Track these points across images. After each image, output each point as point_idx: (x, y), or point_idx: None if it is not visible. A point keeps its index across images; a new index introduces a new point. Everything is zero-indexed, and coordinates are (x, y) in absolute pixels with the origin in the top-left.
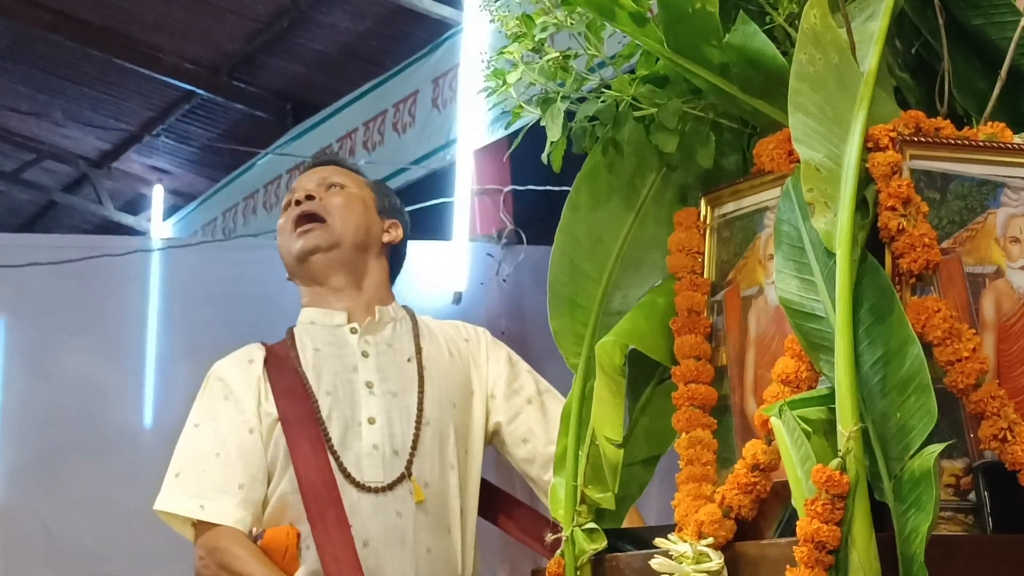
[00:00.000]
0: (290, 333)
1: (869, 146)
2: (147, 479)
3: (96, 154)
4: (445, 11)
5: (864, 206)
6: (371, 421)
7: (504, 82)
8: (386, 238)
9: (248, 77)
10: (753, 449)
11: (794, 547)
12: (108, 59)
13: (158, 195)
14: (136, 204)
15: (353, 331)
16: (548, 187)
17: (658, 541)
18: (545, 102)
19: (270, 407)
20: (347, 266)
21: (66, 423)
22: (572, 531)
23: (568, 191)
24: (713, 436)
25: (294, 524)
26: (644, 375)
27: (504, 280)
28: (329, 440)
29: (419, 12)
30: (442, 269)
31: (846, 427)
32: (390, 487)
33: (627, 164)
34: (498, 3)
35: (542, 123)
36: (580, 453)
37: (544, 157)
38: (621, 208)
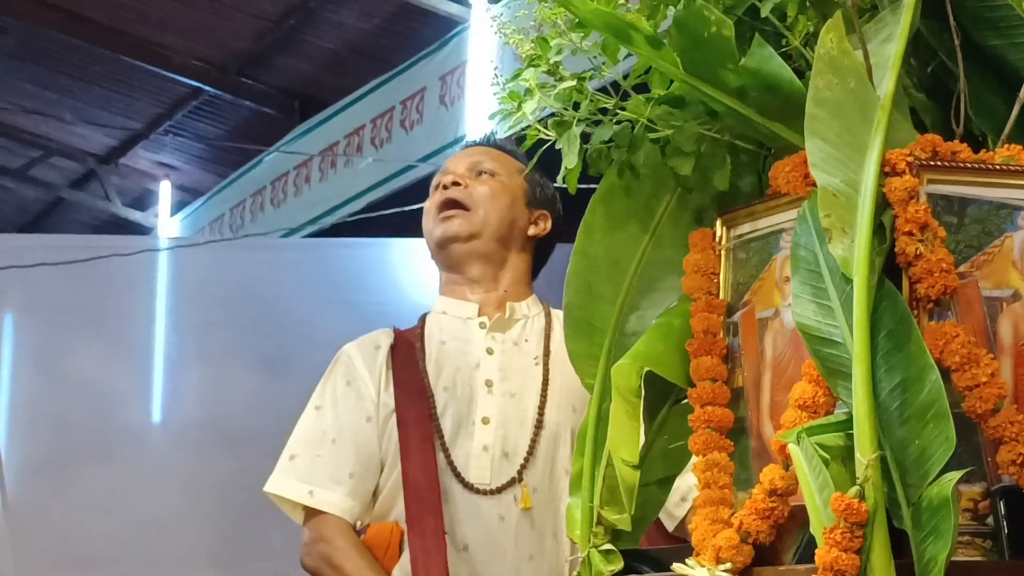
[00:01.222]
0: (421, 321)
1: (886, 171)
2: (155, 479)
3: (104, 151)
4: (452, 8)
5: (881, 231)
6: (485, 421)
7: (519, 107)
8: (532, 231)
9: (256, 74)
10: (771, 474)
11: (812, 575)
12: (116, 57)
13: (166, 191)
14: (144, 200)
15: (482, 326)
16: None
17: (676, 566)
18: (560, 126)
19: (388, 398)
20: (485, 258)
21: (75, 423)
22: (589, 552)
23: (577, 187)
24: (730, 458)
25: (399, 519)
26: (660, 396)
27: None
28: (442, 438)
29: (427, 9)
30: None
31: (864, 454)
32: (498, 491)
33: (643, 186)
34: (503, 16)
35: (557, 146)
36: (596, 474)
37: (560, 179)
38: (637, 230)
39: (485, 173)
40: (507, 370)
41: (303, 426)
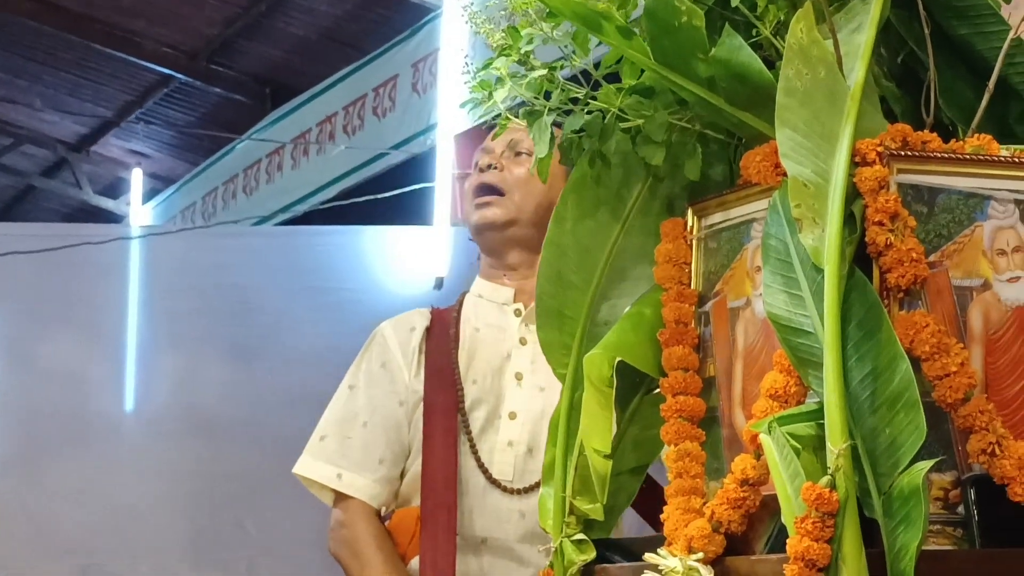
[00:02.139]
0: (460, 302)
1: (856, 161)
2: (129, 468)
3: (75, 138)
4: None
5: (852, 221)
6: (512, 416)
7: (490, 96)
8: None
9: (227, 61)
10: (742, 464)
11: (784, 565)
12: (87, 44)
13: (137, 179)
14: (115, 188)
15: (517, 313)
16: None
17: (647, 556)
18: (531, 115)
19: (418, 384)
20: (523, 243)
21: (48, 412)
22: (561, 542)
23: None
24: (702, 448)
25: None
26: (632, 385)
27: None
28: (469, 432)
29: None
30: (423, 254)
31: (835, 444)
32: (524, 491)
33: (614, 175)
34: (474, 5)
35: (530, 135)
36: (568, 464)
37: (532, 169)
38: (608, 219)
39: (523, 153)
40: (538, 363)
41: (335, 406)
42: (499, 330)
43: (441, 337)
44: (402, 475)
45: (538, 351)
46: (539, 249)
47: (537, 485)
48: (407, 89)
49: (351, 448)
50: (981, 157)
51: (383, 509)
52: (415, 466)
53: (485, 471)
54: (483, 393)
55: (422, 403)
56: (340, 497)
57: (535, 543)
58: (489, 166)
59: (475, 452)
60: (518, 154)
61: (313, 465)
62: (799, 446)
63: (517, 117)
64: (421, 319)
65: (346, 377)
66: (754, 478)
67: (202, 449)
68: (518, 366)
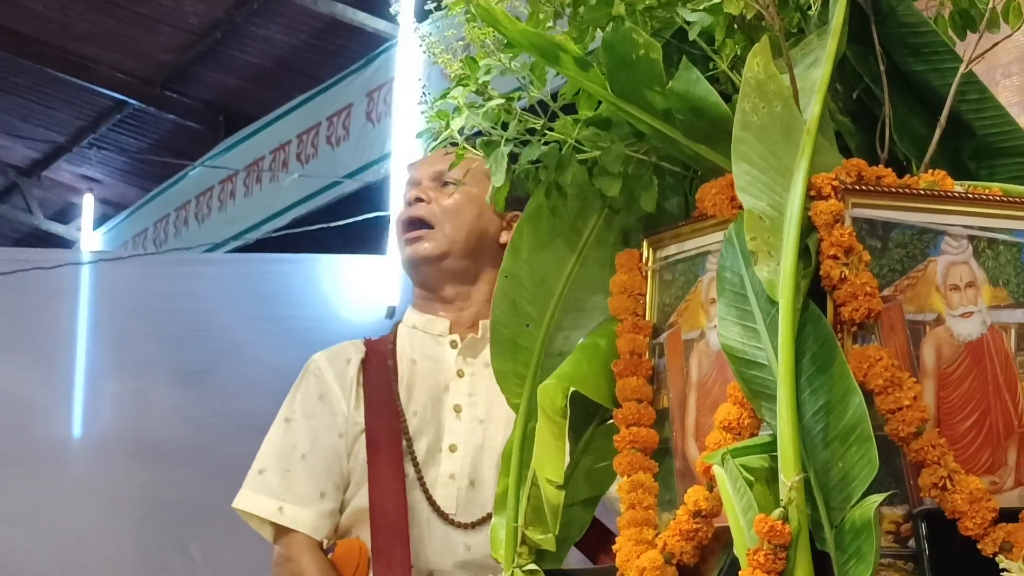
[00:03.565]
0: (393, 332)
1: (812, 195)
2: (76, 493)
3: (26, 163)
4: (380, 25)
5: (806, 254)
6: (452, 448)
7: (447, 125)
8: (504, 238)
9: (180, 88)
10: (695, 495)
11: None
12: (40, 69)
13: (88, 205)
14: (66, 213)
15: (453, 344)
16: None
17: None
18: (488, 145)
19: (358, 416)
20: (457, 275)
21: None
22: (512, 572)
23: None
24: (654, 479)
25: (364, 540)
26: (585, 416)
27: None
28: (416, 463)
29: (354, 25)
30: (375, 283)
31: (788, 476)
32: (472, 526)
33: (570, 207)
34: (432, 36)
35: (485, 166)
36: (521, 494)
37: (488, 199)
38: (563, 250)
39: (451, 183)
40: (476, 395)
41: (273, 439)
42: (436, 362)
43: (379, 368)
44: (341, 507)
45: (476, 383)
46: (473, 280)
47: (483, 519)
48: (361, 118)
49: (292, 481)
50: (935, 193)
51: (325, 542)
52: (356, 498)
53: (432, 502)
54: (424, 425)
55: (363, 435)
56: (281, 531)
57: (481, 573)
58: (417, 199)
59: (422, 483)
60: (445, 184)
61: (253, 499)
62: (752, 478)
63: (474, 148)
64: (356, 351)
65: (282, 410)
66: (707, 510)
67: (149, 475)
68: (456, 398)
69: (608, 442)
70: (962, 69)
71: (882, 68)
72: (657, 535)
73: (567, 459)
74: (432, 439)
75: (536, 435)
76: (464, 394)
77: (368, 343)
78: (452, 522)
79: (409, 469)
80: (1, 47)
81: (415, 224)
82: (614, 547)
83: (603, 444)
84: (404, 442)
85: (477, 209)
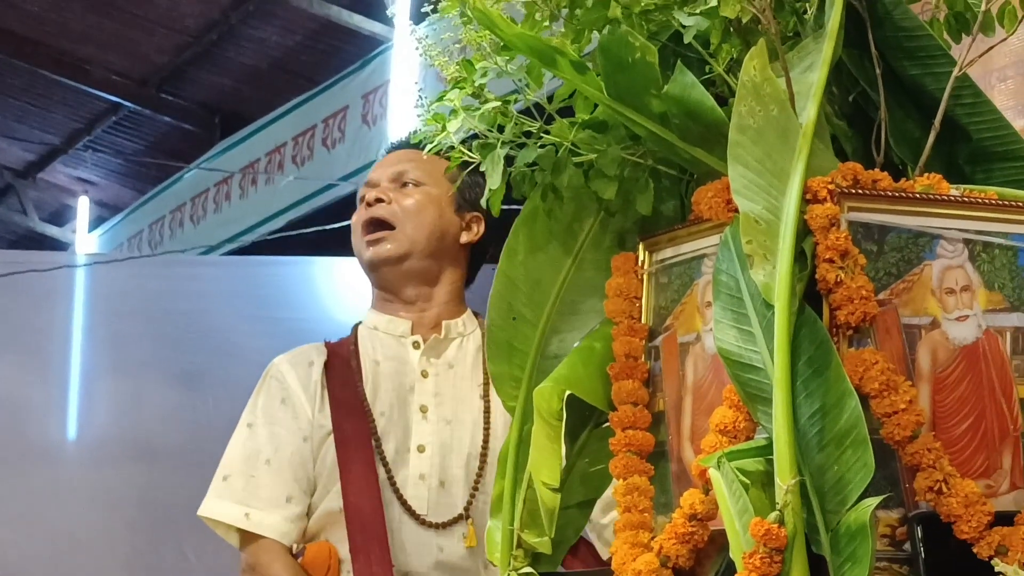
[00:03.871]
0: (354, 334)
1: (807, 198)
2: (71, 494)
3: (21, 165)
4: (376, 27)
5: (802, 258)
6: (420, 449)
7: (444, 128)
8: (465, 238)
9: (176, 90)
10: (691, 499)
11: None
12: (35, 70)
13: (83, 207)
14: (61, 215)
15: (416, 345)
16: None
17: None
18: (485, 148)
19: (324, 419)
20: (418, 276)
21: None
22: (508, 575)
23: (502, 209)
24: (650, 482)
25: (334, 543)
26: (581, 419)
27: None
28: (386, 463)
29: (350, 28)
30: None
31: (784, 480)
32: (443, 525)
33: (565, 209)
34: (428, 38)
35: (481, 168)
36: (517, 497)
37: (483, 203)
38: (559, 253)
39: (410, 183)
40: (442, 395)
41: (236, 445)
42: (400, 363)
43: (342, 370)
44: (308, 511)
45: (441, 384)
46: (434, 281)
47: (454, 520)
48: (357, 120)
49: (257, 486)
50: (931, 196)
51: (294, 547)
52: (325, 501)
53: (404, 503)
54: (391, 425)
55: (330, 437)
56: (249, 537)
57: (456, 574)
58: (377, 200)
59: (393, 484)
60: (404, 185)
61: (219, 506)
62: (748, 481)
63: (470, 150)
64: (318, 353)
65: (244, 415)
66: (702, 513)
67: (144, 476)
68: (422, 399)
69: (604, 445)
70: (955, 72)
71: (878, 72)
72: (653, 538)
73: (563, 462)
74: (400, 439)
75: (532, 438)
76: (430, 394)
77: (329, 345)
78: (424, 522)
79: (380, 470)
80: None
81: (376, 225)
82: (610, 550)
83: (599, 447)
84: (374, 443)
85: (438, 209)
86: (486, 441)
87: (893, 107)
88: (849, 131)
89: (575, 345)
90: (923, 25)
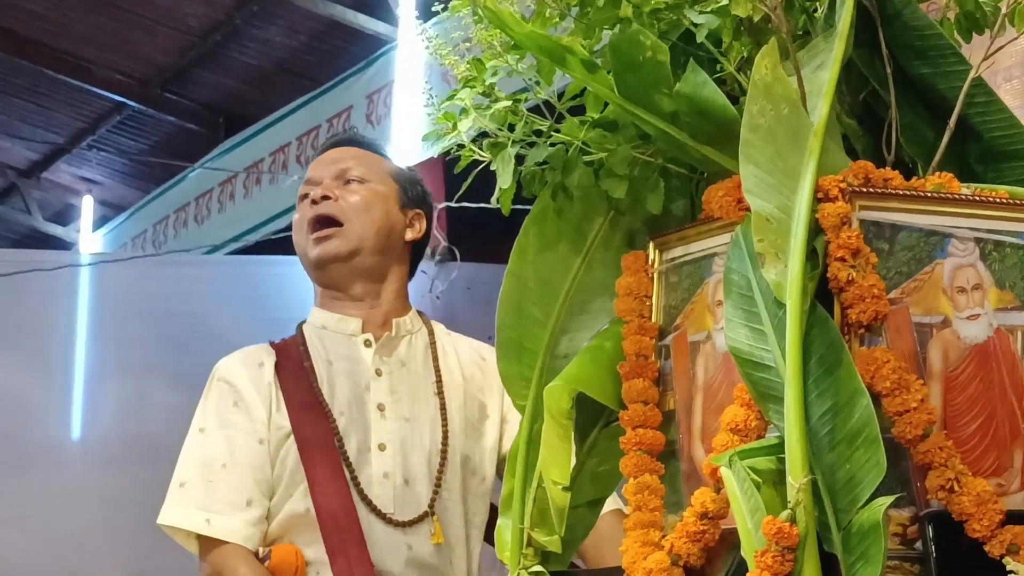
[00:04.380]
0: (300, 334)
1: (819, 197)
2: (73, 494)
3: (25, 164)
4: (380, 27)
5: (814, 256)
6: (381, 448)
7: (454, 127)
8: (409, 235)
9: (180, 90)
10: (702, 497)
11: None
12: (38, 70)
13: (88, 206)
14: (65, 215)
15: (367, 344)
16: (483, 204)
17: None
18: (495, 147)
19: (282, 420)
20: (366, 274)
21: None
22: (518, 574)
23: (512, 208)
24: (661, 481)
25: (300, 545)
26: (591, 417)
27: (437, 297)
28: (349, 463)
29: (354, 28)
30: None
31: (796, 478)
32: (410, 523)
33: (576, 208)
34: (436, 34)
35: (492, 167)
36: (527, 495)
37: (493, 201)
38: (569, 252)
39: (354, 180)
40: (398, 393)
41: (190, 451)
42: (353, 362)
43: (294, 370)
44: (268, 515)
45: (396, 381)
46: (382, 278)
47: (420, 517)
48: (361, 120)
49: (216, 491)
50: (942, 195)
51: (260, 551)
52: (288, 504)
53: (369, 503)
54: (351, 425)
55: (290, 439)
56: (210, 544)
57: (424, 575)
58: (323, 197)
59: (356, 484)
60: (348, 182)
61: (179, 513)
62: (759, 480)
63: (479, 149)
64: (267, 354)
65: (194, 420)
66: (713, 511)
67: (148, 477)
68: (379, 397)
69: (614, 444)
70: (972, 73)
71: (888, 71)
72: (663, 537)
73: (573, 461)
74: (361, 439)
75: (542, 437)
76: (386, 392)
77: (275, 346)
78: (392, 521)
79: (344, 470)
80: None
81: (324, 222)
82: (620, 548)
83: (609, 446)
84: (337, 443)
85: (385, 206)
86: (445, 438)
87: (904, 106)
88: (860, 130)
89: (585, 344)
90: (934, 24)
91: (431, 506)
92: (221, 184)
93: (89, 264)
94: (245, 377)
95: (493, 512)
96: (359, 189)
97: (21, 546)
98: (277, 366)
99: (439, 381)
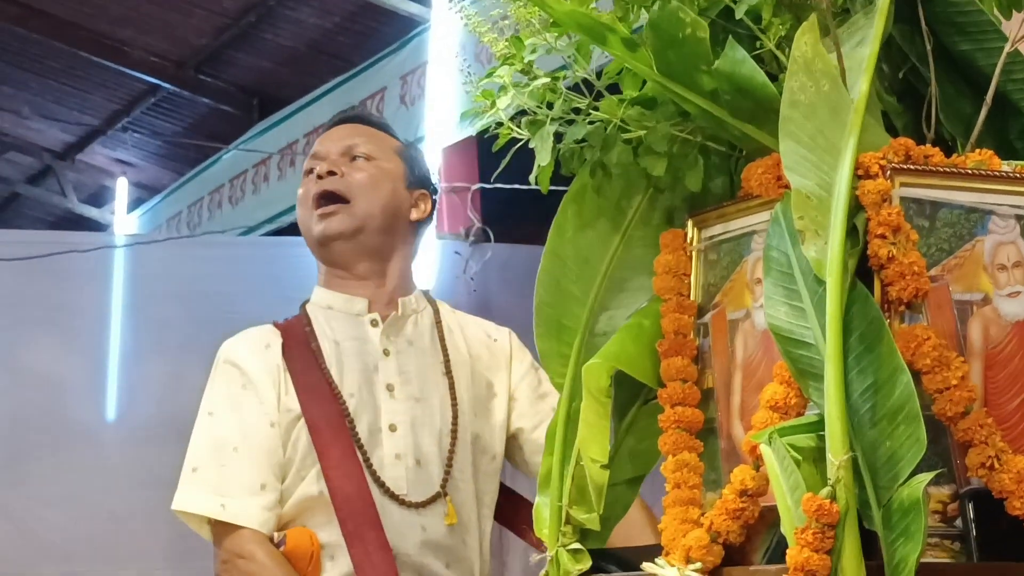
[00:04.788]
0: (305, 315)
1: (859, 174)
2: (110, 476)
3: (61, 146)
4: (413, 8)
5: (854, 233)
6: (392, 428)
7: (493, 104)
8: (414, 215)
9: (214, 71)
10: (741, 475)
11: (783, 575)
12: (74, 52)
13: (122, 188)
14: (100, 197)
15: (374, 323)
16: (516, 185)
17: (645, 566)
18: (534, 124)
19: (291, 402)
20: (372, 252)
21: (30, 420)
22: (557, 551)
23: (536, 190)
24: (699, 459)
25: (313, 528)
26: (629, 395)
27: (471, 278)
28: (361, 446)
29: (387, 9)
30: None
31: (836, 455)
32: (423, 504)
33: (614, 186)
34: (476, 15)
35: (530, 145)
36: (565, 473)
37: (532, 179)
38: (608, 230)
39: (360, 157)
40: (407, 373)
41: (200, 435)
42: (361, 342)
43: (301, 352)
44: (280, 501)
45: (404, 361)
46: (387, 257)
47: (433, 498)
48: (395, 101)
49: (229, 476)
50: (983, 172)
51: (274, 536)
52: (300, 487)
53: (382, 484)
54: (361, 406)
55: (300, 421)
56: (225, 529)
57: (439, 556)
58: (329, 172)
59: (369, 465)
60: (354, 158)
61: (193, 498)
62: (799, 457)
63: (517, 127)
64: (273, 335)
65: (203, 404)
66: (753, 489)
67: (184, 457)
68: (388, 377)
69: (652, 422)
70: (1008, 47)
71: (928, 47)
72: (702, 515)
73: (611, 438)
74: (371, 420)
75: (581, 415)
76: (394, 373)
77: (280, 327)
78: (405, 503)
79: (356, 452)
80: (35, 30)
81: (329, 198)
82: (659, 525)
83: (647, 424)
84: (348, 425)
85: (391, 184)
86: (455, 418)
87: (944, 83)
88: (899, 107)
89: (624, 322)
90: (974, 0)
91: (443, 486)
92: (255, 166)
93: (124, 246)
94: (252, 360)
95: (502, 491)
96: (366, 166)
97: (60, 525)
98: (284, 347)
99: (447, 360)
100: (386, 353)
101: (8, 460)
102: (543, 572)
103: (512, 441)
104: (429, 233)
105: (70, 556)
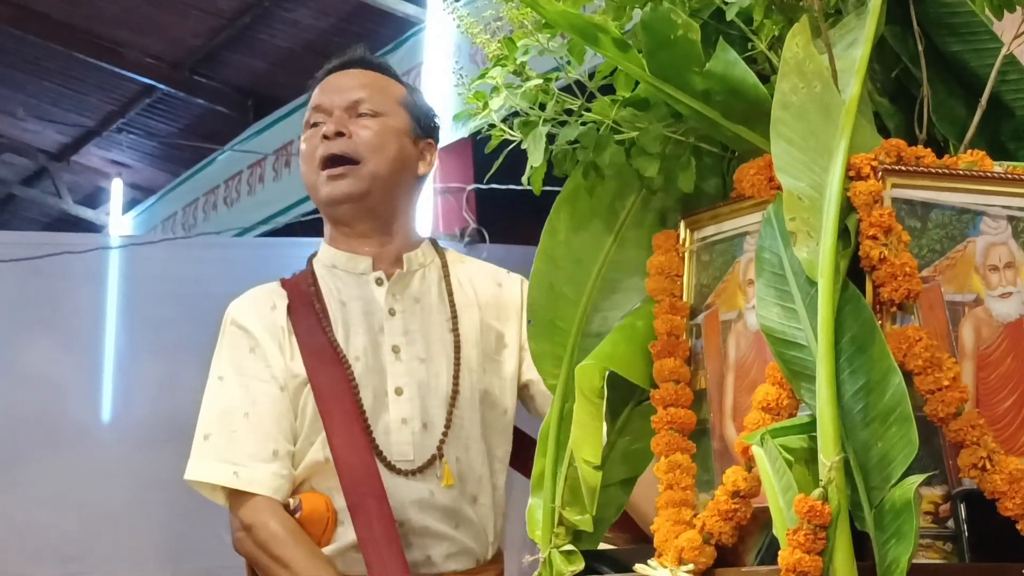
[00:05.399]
0: (311, 272)
1: (851, 175)
2: (106, 475)
3: (56, 148)
4: (409, 9)
5: (846, 235)
6: (398, 392)
7: (485, 106)
8: (422, 169)
9: (209, 72)
10: (733, 476)
11: None
12: (69, 53)
13: (117, 189)
14: (95, 198)
15: (379, 282)
16: (511, 186)
17: (637, 567)
18: (526, 126)
19: (297, 367)
20: (375, 211)
21: (25, 420)
22: (550, 552)
23: (531, 191)
24: (692, 460)
25: (324, 492)
26: (622, 396)
27: None
28: (364, 413)
29: (383, 10)
30: None
31: (828, 457)
32: (419, 470)
33: (607, 187)
34: (468, 16)
35: (523, 146)
36: (558, 474)
37: (525, 180)
38: (600, 231)
39: (366, 114)
40: (412, 333)
41: (210, 401)
42: (366, 302)
43: (306, 313)
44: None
45: (409, 320)
46: (393, 213)
47: (432, 460)
48: None
49: (240, 442)
50: (975, 173)
51: (291, 502)
52: (311, 455)
53: (383, 457)
54: (367, 370)
55: (307, 387)
56: (239, 496)
57: (446, 519)
58: (338, 134)
59: (371, 436)
60: (360, 115)
61: (205, 467)
62: (791, 458)
63: (510, 128)
64: (279, 296)
65: (212, 368)
66: (745, 490)
67: (180, 457)
68: (393, 339)
69: (645, 423)
70: (1004, 50)
71: (920, 48)
72: (695, 516)
73: (604, 440)
74: (377, 384)
75: (574, 416)
76: (399, 333)
77: (286, 284)
78: (408, 469)
79: (360, 419)
80: (31, 31)
81: (338, 160)
82: (651, 528)
83: (640, 425)
84: (352, 390)
85: (399, 142)
86: (456, 377)
87: (936, 84)
88: (891, 108)
89: (617, 323)
90: (966, 1)
91: (440, 448)
92: (250, 167)
93: (119, 247)
94: (258, 322)
95: (519, 438)
96: (372, 124)
97: (55, 524)
98: (289, 308)
99: (454, 318)
100: (391, 313)
101: (3, 461)
102: (536, 573)
103: (524, 391)
104: (424, 233)
105: (66, 557)
